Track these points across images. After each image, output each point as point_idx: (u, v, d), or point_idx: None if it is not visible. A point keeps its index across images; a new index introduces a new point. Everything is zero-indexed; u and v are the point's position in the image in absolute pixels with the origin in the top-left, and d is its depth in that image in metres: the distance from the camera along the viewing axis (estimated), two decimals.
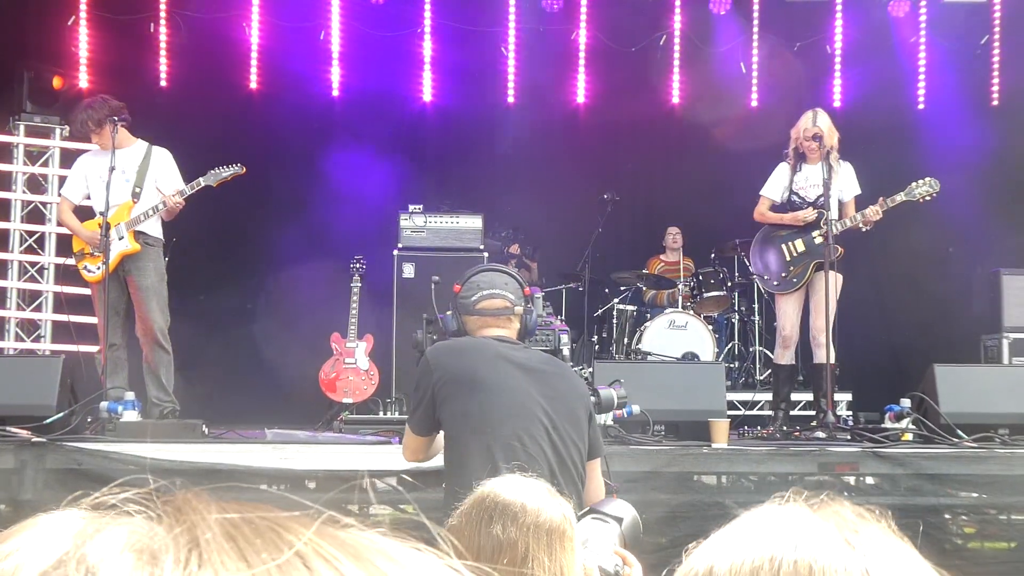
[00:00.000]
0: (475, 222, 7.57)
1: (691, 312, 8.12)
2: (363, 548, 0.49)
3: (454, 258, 7.03)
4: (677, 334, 7.94)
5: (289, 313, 7.99)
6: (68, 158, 7.68)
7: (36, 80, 8.18)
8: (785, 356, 6.49)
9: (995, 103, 8.98)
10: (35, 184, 8.27)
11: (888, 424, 5.81)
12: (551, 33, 9.13)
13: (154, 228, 6.15)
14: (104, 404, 5.53)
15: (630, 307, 8.49)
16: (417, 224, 7.53)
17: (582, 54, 9.07)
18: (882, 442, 5.50)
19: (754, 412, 7.68)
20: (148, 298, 6.04)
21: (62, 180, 7.18)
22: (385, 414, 6.92)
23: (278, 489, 5.24)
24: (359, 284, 7.25)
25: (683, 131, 9.16)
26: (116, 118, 6.00)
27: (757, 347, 8.53)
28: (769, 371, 7.78)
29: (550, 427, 3.15)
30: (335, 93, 8.90)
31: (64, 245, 7.06)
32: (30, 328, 8.16)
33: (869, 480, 5.44)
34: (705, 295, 8.28)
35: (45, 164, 8.25)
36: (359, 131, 8.60)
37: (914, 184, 6.12)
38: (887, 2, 8.95)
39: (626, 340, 8.24)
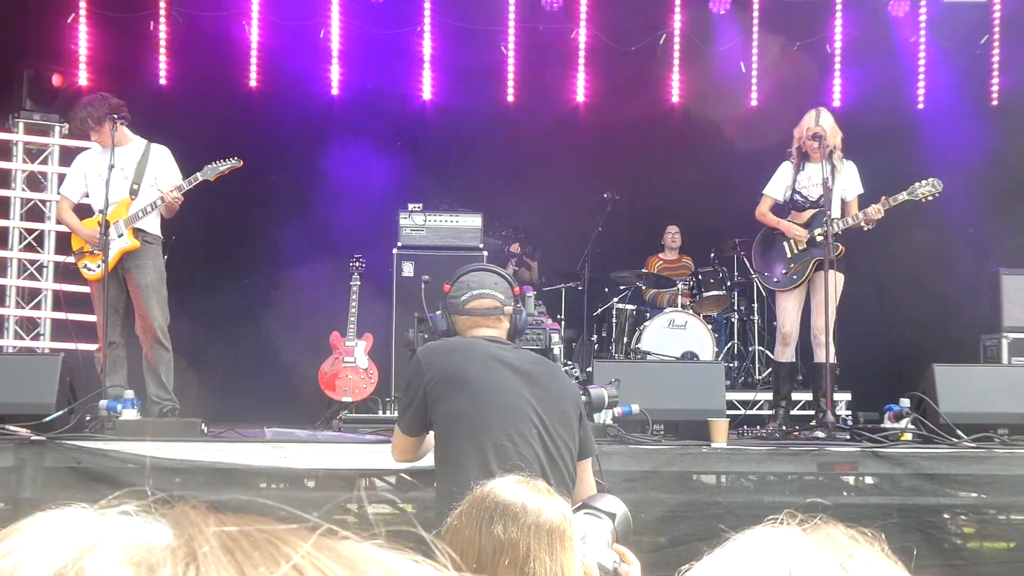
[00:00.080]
0: (475, 221, 7.57)
1: (690, 311, 8.12)
2: (360, 561, 0.49)
3: (453, 257, 7.03)
4: (676, 333, 7.94)
5: (289, 312, 7.99)
6: (67, 156, 7.67)
7: (35, 78, 8.18)
8: (785, 354, 6.49)
9: (995, 103, 8.98)
10: (34, 182, 8.26)
11: (887, 424, 5.82)
12: (551, 32, 9.13)
13: (153, 226, 6.15)
14: (103, 402, 5.53)
15: (629, 306, 8.49)
16: (417, 223, 7.53)
17: (582, 53, 9.07)
18: (881, 442, 5.51)
19: (753, 412, 7.68)
20: (147, 296, 6.03)
21: (61, 178, 7.18)
22: (384, 413, 6.92)
23: (277, 488, 5.24)
24: (358, 283, 7.25)
25: (683, 130, 9.16)
26: (115, 116, 6.00)
27: (756, 346, 8.53)
28: (769, 370, 7.79)
29: (541, 427, 3.16)
30: (335, 92, 8.90)
31: (63, 243, 7.05)
32: (29, 326, 8.16)
33: (868, 480, 5.45)
34: (704, 294, 8.28)
35: (44, 162, 8.25)
36: (359, 129, 8.59)
37: (917, 184, 6.12)
38: (887, 2, 8.94)
39: (625, 339, 8.24)
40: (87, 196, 6.22)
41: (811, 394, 6.82)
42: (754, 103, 9.18)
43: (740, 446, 5.53)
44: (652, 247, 9.26)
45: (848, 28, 9.06)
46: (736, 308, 8.61)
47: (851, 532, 0.73)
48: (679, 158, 9.22)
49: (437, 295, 3.72)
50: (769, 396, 6.95)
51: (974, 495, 5.53)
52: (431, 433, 3.30)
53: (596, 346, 8.44)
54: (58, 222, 7.24)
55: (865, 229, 6.21)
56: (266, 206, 8.75)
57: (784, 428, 6.29)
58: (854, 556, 0.71)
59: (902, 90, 9.10)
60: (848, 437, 5.77)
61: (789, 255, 6.39)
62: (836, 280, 6.12)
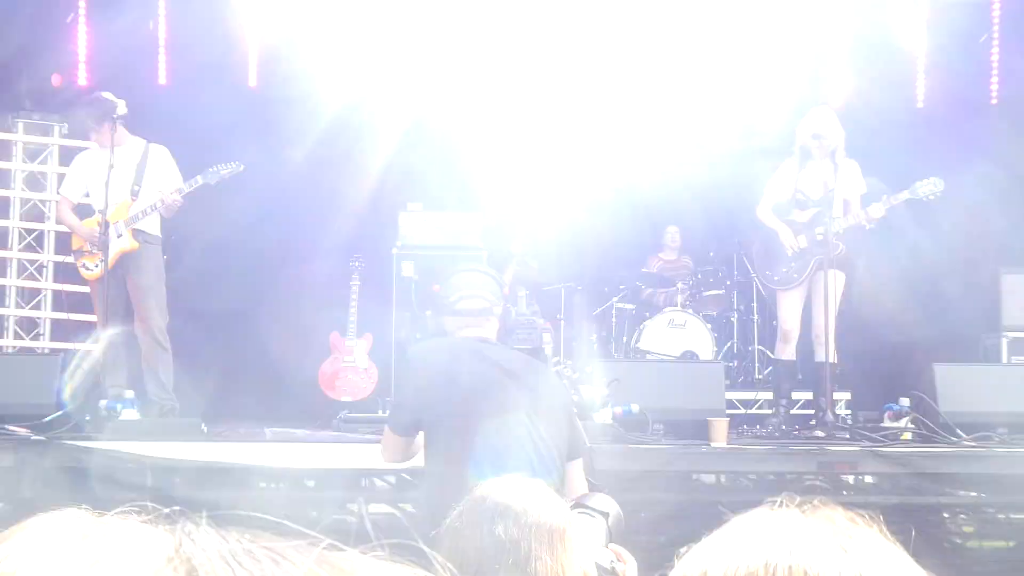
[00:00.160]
0: (474, 220, 7.56)
1: (690, 311, 8.12)
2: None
3: (453, 256, 7.01)
4: (676, 333, 7.93)
5: (288, 311, 7.98)
6: (67, 156, 7.66)
7: (35, 78, 8.17)
8: (786, 351, 6.48)
9: (994, 102, 8.97)
10: (34, 182, 8.25)
11: (887, 423, 5.82)
12: None
13: (153, 226, 6.15)
14: (103, 402, 5.52)
15: (629, 306, 8.48)
16: (417, 222, 7.52)
17: None
18: (881, 441, 5.51)
19: (753, 411, 7.68)
20: (147, 296, 6.03)
21: (61, 178, 7.18)
22: (384, 412, 6.90)
23: (277, 488, 5.24)
24: (358, 282, 7.25)
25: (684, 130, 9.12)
26: (115, 116, 6.00)
27: (756, 346, 8.53)
28: (768, 369, 7.79)
29: (530, 427, 3.16)
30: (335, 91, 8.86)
31: (63, 243, 7.05)
32: (29, 326, 8.16)
33: (868, 479, 5.45)
34: (704, 294, 8.27)
35: (44, 162, 8.24)
36: (358, 128, 8.56)
37: (918, 183, 6.12)
38: (887, 1, 8.93)
39: (625, 339, 8.24)
40: (87, 196, 6.22)
41: (811, 393, 6.82)
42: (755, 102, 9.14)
43: (740, 445, 5.53)
44: (651, 247, 9.25)
45: (841, 26, 9.03)
46: (736, 307, 8.60)
47: (850, 514, 0.73)
48: (679, 158, 9.18)
49: (428, 296, 3.74)
50: (769, 395, 6.94)
51: (974, 494, 5.53)
52: (421, 434, 3.30)
53: (596, 345, 8.44)
54: (58, 222, 7.24)
55: (866, 228, 6.21)
56: (266, 206, 8.72)
57: (784, 427, 6.29)
58: (853, 537, 0.71)
59: (901, 89, 9.08)
60: (848, 436, 5.76)
61: (789, 253, 6.39)
62: (836, 279, 6.12)
